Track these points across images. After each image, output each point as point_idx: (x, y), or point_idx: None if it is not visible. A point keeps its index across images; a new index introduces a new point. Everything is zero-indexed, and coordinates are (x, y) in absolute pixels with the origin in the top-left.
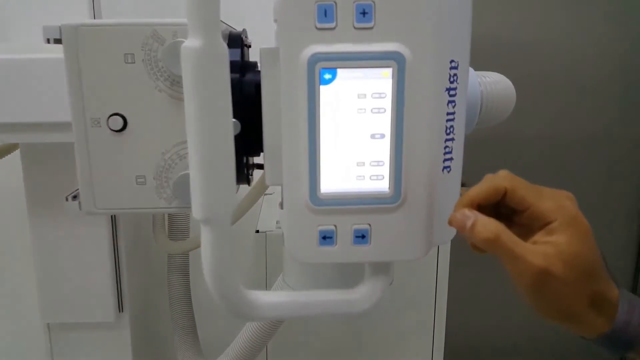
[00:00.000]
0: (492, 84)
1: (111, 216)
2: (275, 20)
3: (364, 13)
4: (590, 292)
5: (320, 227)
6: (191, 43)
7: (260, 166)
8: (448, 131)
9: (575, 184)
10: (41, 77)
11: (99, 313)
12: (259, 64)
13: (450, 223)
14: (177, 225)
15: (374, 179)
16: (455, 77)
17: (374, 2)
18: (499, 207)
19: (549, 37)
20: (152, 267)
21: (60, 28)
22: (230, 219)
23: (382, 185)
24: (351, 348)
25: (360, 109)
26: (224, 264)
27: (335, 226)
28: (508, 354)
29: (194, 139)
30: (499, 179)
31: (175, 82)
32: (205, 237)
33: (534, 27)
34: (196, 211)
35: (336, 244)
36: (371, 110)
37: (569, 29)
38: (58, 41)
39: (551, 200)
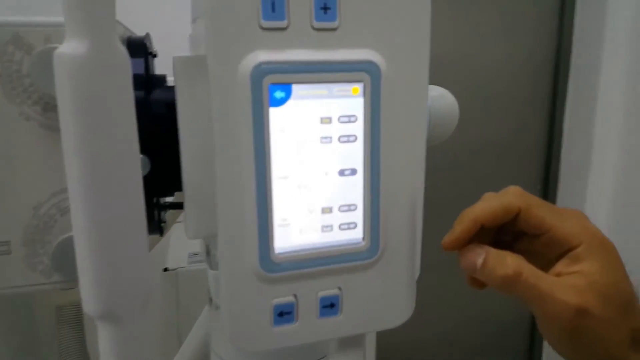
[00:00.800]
0: (437, 99)
1: None
2: (194, 20)
3: (325, 8)
4: (630, 328)
5: (276, 301)
6: (71, 48)
7: (175, 205)
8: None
9: (479, 188)
10: None
11: None
12: (172, 78)
13: (460, 261)
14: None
15: (344, 229)
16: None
17: None
18: (500, 233)
19: (453, 49)
20: (37, 324)
21: None
22: (143, 307)
23: (355, 235)
24: None
25: (325, 137)
26: None
27: (295, 296)
28: None
29: (79, 193)
30: (510, 197)
31: (50, 107)
32: (107, 338)
33: (438, 40)
34: (89, 305)
35: (297, 321)
36: (338, 139)
37: (472, 42)
38: None
39: (572, 221)
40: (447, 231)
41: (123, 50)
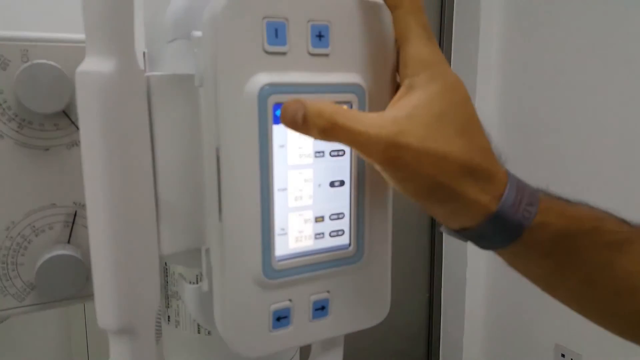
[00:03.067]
0: None
1: None
2: (173, 40)
3: (320, 36)
4: (467, 159)
5: (274, 306)
6: (96, 66)
7: None
8: None
9: None
10: None
11: None
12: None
13: (282, 119)
14: None
15: (333, 236)
16: None
17: (330, 23)
18: None
19: None
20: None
21: None
22: (154, 324)
23: (343, 241)
24: None
25: (318, 151)
26: None
27: (290, 301)
28: None
29: (102, 209)
30: None
31: (26, 123)
32: (122, 351)
33: None
34: (106, 319)
35: (292, 324)
36: (330, 153)
37: None
38: None
39: (428, 50)
40: None
41: (141, 67)
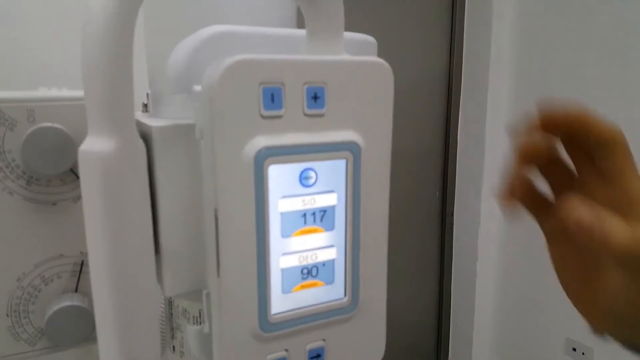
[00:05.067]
0: None
1: None
2: (145, 106)
3: (315, 97)
4: None
5: (271, 356)
6: (98, 145)
7: None
8: None
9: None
10: None
11: None
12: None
13: (567, 222)
14: None
15: (328, 288)
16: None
17: (325, 85)
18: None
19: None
20: None
21: None
22: None
23: (338, 294)
24: None
25: (312, 210)
26: None
27: (287, 351)
28: None
29: (104, 277)
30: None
31: (33, 180)
32: None
33: None
34: None
35: None
36: (322, 208)
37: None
38: None
39: None
40: None
41: (142, 143)
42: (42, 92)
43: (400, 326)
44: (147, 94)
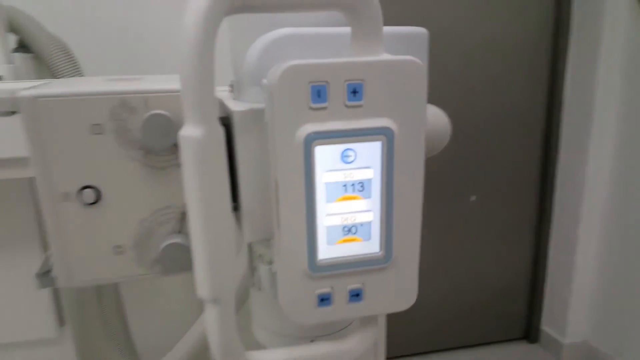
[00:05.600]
0: (430, 118)
1: (38, 222)
2: (232, 87)
3: (354, 92)
4: None
5: (318, 291)
6: (191, 132)
7: None
8: None
9: (484, 167)
10: None
11: (39, 329)
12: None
13: None
14: None
15: (366, 243)
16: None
17: (363, 81)
18: None
19: (454, 24)
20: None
21: (15, 99)
22: (234, 297)
23: (373, 248)
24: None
25: (352, 181)
26: (231, 340)
27: (332, 288)
28: (435, 324)
29: (198, 225)
30: None
31: (148, 151)
32: (212, 316)
33: (440, 15)
34: (202, 292)
35: (333, 304)
36: (360, 173)
37: (472, 16)
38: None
39: None
40: (445, 199)
41: (221, 130)
42: (153, 85)
43: (492, 290)
44: (231, 82)
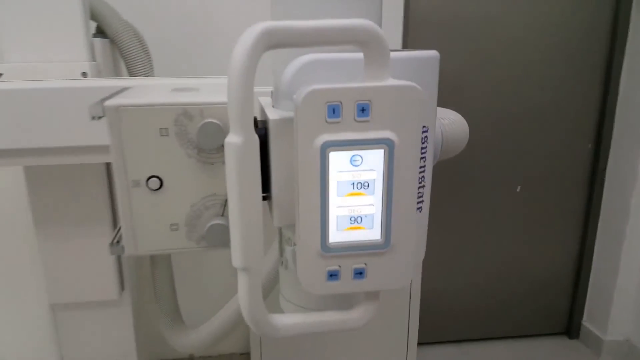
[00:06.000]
0: (450, 125)
1: (110, 204)
2: (272, 94)
3: (362, 110)
4: None
5: (328, 268)
6: (234, 139)
7: None
8: (420, 181)
9: (532, 158)
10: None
11: (103, 292)
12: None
13: None
14: None
15: (369, 231)
16: (425, 138)
17: (370, 102)
18: None
19: (506, 10)
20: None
21: (103, 107)
22: (260, 268)
23: (375, 236)
24: None
25: (359, 181)
26: (257, 302)
27: (339, 266)
28: (472, 313)
29: (236, 209)
30: None
31: (201, 150)
32: (243, 281)
33: (488, 5)
34: (236, 262)
35: (340, 279)
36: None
37: (524, 8)
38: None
39: None
40: (492, 189)
41: (256, 138)
42: (207, 98)
43: (535, 283)
44: (271, 91)
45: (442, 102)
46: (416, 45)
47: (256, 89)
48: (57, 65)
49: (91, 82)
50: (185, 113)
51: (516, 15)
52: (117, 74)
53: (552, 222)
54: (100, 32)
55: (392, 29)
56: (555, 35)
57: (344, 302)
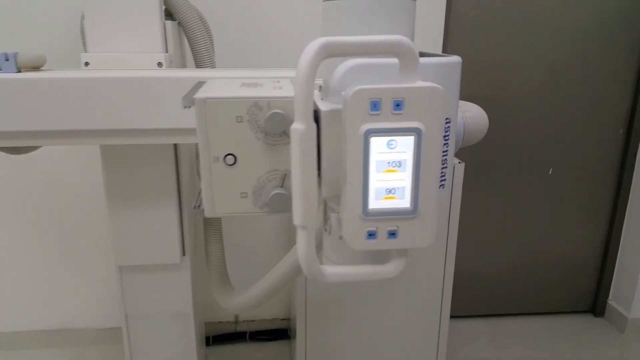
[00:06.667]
0: (471, 118)
1: (177, 178)
2: (320, 89)
3: (397, 105)
4: None
5: (368, 229)
6: (298, 126)
7: None
8: (443, 163)
9: (565, 142)
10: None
11: (166, 256)
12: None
13: None
14: None
15: (400, 200)
16: (448, 128)
17: (404, 99)
18: None
19: (541, 7)
20: (199, 219)
21: (193, 99)
22: (314, 227)
23: (405, 204)
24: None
25: (393, 160)
26: (312, 254)
27: (376, 228)
28: (503, 290)
29: (298, 180)
30: None
31: (267, 134)
32: (301, 236)
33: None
34: (297, 221)
35: (377, 238)
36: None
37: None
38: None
39: None
40: (524, 171)
41: (314, 125)
42: (273, 93)
43: (563, 262)
44: (319, 86)
45: (483, 92)
46: (458, 37)
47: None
48: (136, 55)
49: (168, 73)
50: (256, 104)
51: (553, 11)
52: (182, 58)
53: (582, 204)
54: (169, 15)
55: (433, 25)
56: (589, 26)
57: (377, 261)
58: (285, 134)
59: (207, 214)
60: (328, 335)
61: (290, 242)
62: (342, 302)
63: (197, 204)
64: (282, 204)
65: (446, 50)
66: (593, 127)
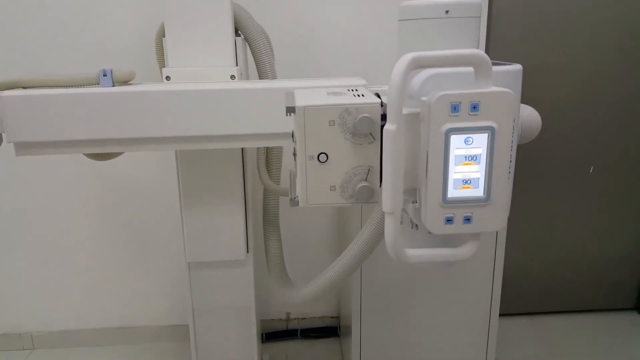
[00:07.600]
0: (527, 117)
1: (243, 180)
2: (413, 98)
3: (474, 107)
4: None
5: (446, 215)
6: (390, 127)
7: None
8: (510, 157)
9: (599, 139)
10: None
11: (232, 252)
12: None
13: None
14: (273, 174)
15: (475, 189)
16: (514, 127)
17: (479, 102)
18: None
19: (584, 6)
20: (257, 219)
21: (294, 107)
22: (400, 214)
23: (479, 193)
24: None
25: (470, 155)
26: (397, 238)
27: (453, 214)
28: (547, 287)
29: (389, 172)
30: None
31: (355, 135)
32: (389, 221)
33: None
34: (386, 207)
35: (454, 224)
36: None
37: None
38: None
39: None
40: (566, 169)
41: (403, 126)
42: (360, 100)
43: (607, 259)
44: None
45: (530, 93)
46: (500, 40)
47: (378, 88)
48: (211, 69)
49: (242, 85)
50: (346, 110)
51: (596, 12)
52: (247, 70)
53: (624, 202)
54: (236, 32)
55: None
56: (633, 30)
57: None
58: (371, 134)
59: (302, 204)
60: (381, 332)
61: (341, 238)
62: (393, 300)
63: (293, 196)
64: (367, 195)
65: (488, 54)
66: (634, 129)
